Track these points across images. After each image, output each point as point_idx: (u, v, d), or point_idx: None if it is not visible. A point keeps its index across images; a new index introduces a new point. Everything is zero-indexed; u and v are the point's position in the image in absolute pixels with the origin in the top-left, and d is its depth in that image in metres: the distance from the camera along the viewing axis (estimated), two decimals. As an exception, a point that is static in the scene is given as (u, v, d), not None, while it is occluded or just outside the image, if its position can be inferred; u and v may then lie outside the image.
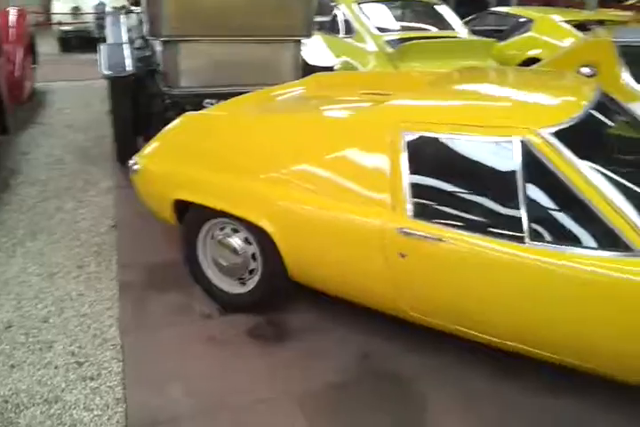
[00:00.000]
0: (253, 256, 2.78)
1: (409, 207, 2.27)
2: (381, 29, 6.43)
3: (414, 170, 2.29)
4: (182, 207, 2.95)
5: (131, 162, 3.14)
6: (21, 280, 3.19)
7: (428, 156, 2.34)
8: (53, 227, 3.84)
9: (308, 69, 4.62)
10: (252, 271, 2.82)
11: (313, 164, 2.56)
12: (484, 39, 6.38)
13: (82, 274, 3.27)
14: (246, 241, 2.78)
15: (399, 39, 6.09)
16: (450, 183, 2.29)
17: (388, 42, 6.12)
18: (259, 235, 2.68)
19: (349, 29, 6.64)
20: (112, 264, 3.37)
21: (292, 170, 2.60)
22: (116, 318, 2.87)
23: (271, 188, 2.63)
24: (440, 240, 2.19)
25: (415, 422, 2.25)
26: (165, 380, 2.45)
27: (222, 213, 2.77)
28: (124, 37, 5.16)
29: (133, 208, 3.98)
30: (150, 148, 3.18)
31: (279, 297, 2.92)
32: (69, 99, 7.25)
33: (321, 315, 2.87)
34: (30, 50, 6.92)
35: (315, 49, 5.22)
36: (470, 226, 2.18)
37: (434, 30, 6.76)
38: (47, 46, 10.03)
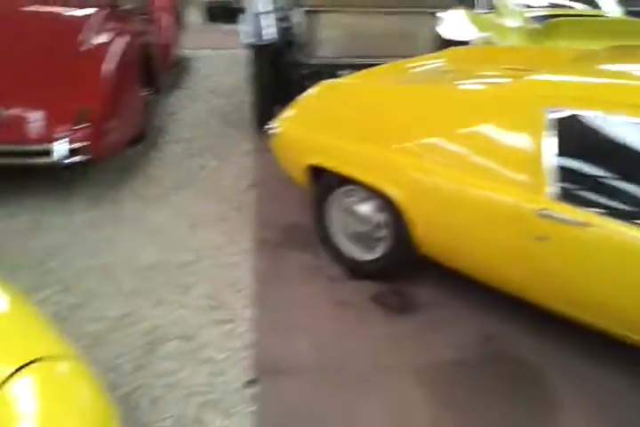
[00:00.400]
0: (381, 225, 2.83)
1: (551, 189, 2.18)
2: (525, 5, 6.14)
3: (558, 150, 2.19)
4: (315, 172, 3.05)
5: (269, 126, 3.28)
6: (166, 228, 3.48)
7: (575, 135, 2.22)
8: (197, 182, 4.12)
9: (443, 43, 4.55)
10: (379, 240, 2.88)
11: (448, 137, 2.53)
12: (642, 20, 5.88)
13: (221, 227, 3.49)
14: (375, 209, 2.83)
15: (545, 16, 5.77)
16: (599, 166, 2.18)
17: (533, 18, 5.82)
18: (388, 204, 2.71)
19: (491, 5, 6.39)
20: (250, 221, 3.56)
21: (426, 142, 2.59)
22: (251, 270, 3.05)
23: (403, 158, 2.63)
24: (587, 225, 2.09)
25: (540, 414, 2.18)
26: (293, 333, 2.58)
27: (353, 181, 2.84)
28: (266, 7, 5.32)
29: (271, 171, 4.16)
30: (288, 113, 3.30)
31: (405, 267, 2.96)
32: (213, 66, 7.62)
33: (445, 289, 2.87)
34: (177, 19, 7.32)
35: (454, 23, 5.10)
36: (622, 213, 2.07)
37: (581, 8, 6.33)
38: (192, 16, 10.53)
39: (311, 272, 3.06)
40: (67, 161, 3.42)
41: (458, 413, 2.17)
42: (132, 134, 4.19)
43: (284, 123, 3.22)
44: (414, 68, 3.44)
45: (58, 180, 3.98)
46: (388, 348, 2.51)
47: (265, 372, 2.35)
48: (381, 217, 2.81)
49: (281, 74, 4.85)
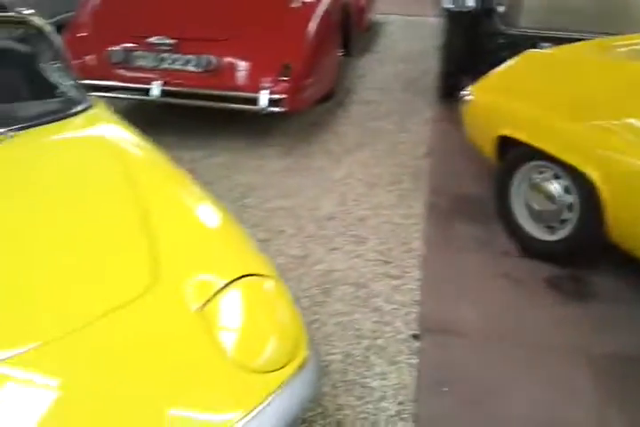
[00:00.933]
0: (570, 207, 2.70)
1: None
2: None
3: None
4: (504, 144, 2.97)
5: (463, 93, 3.23)
6: (346, 183, 3.63)
7: None
8: (377, 143, 4.22)
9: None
10: (563, 221, 2.76)
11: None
12: None
13: (396, 189, 3.57)
14: (566, 190, 2.71)
15: None
16: None
17: None
18: (583, 185, 2.57)
19: None
20: (423, 187, 3.59)
21: (635, 122, 2.40)
22: (422, 233, 3.10)
23: (607, 136, 2.46)
24: None
25: None
26: (459, 299, 2.61)
27: (546, 156, 2.72)
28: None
29: (448, 141, 4.16)
30: (485, 81, 3.22)
31: (589, 254, 2.82)
32: (403, 32, 7.58)
33: (630, 283, 2.70)
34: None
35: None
36: None
37: None
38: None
39: (480, 244, 3.04)
40: (268, 111, 3.67)
41: (626, 407, 2.07)
42: (324, 92, 4.36)
43: (480, 91, 3.16)
44: (622, 46, 3.17)
45: (254, 128, 4.30)
46: (559, 331, 2.43)
47: (429, 330, 2.41)
48: (571, 198, 2.68)
49: (474, 43, 4.71)
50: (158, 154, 2.17)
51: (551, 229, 2.82)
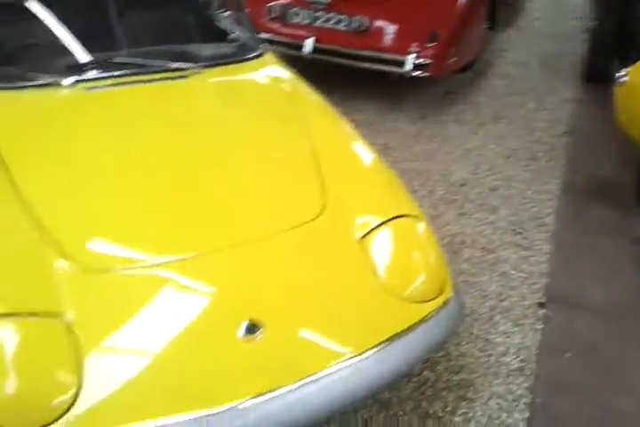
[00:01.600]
0: None
1: None
2: None
3: None
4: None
5: (618, 75, 3.10)
6: (480, 153, 3.63)
7: None
8: (514, 118, 4.15)
9: None
10: None
11: None
12: None
13: (531, 164, 3.53)
14: None
15: None
16: None
17: None
18: None
19: None
20: (559, 165, 3.52)
21: None
22: (555, 210, 3.07)
23: None
24: None
25: None
26: (587, 276, 2.59)
27: None
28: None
29: (588, 123, 4.04)
30: None
31: None
32: (547, 10, 7.25)
33: None
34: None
35: None
36: None
37: None
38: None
39: (615, 228, 2.96)
40: (412, 74, 3.72)
41: None
42: (466, 62, 4.34)
43: (637, 73, 3.03)
44: None
45: (390, 93, 4.36)
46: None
47: (555, 300, 2.43)
48: None
49: (626, 26, 4.45)
50: (321, 98, 2.32)
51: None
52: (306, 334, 1.47)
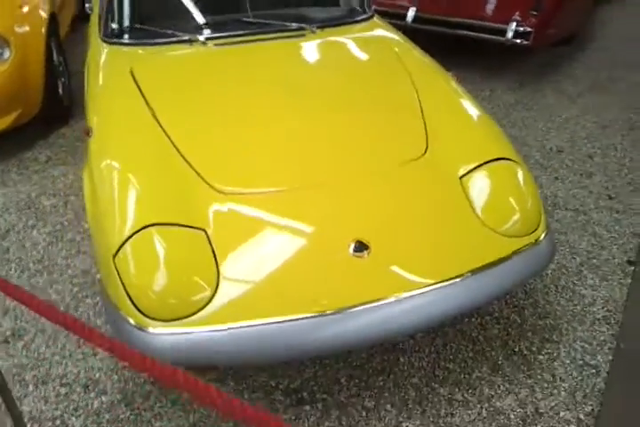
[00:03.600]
0: None
1: None
2: None
3: None
4: None
5: None
6: (577, 122, 3.61)
7: None
8: (612, 90, 4.07)
9: None
10: None
11: None
12: None
13: (630, 134, 3.48)
14: None
15: None
16: None
17: None
18: None
19: None
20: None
21: None
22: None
23: None
24: None
25: None
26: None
27: None
28: None
29: None
30: None
31: None
32: None
33: None
34: None
35: None
36: None
37: None
38: None
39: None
40: (512, 42, 3.72)
41: None
42: (568, 33, 4.25)
43: None
44: None
45: (488, 62, 4.36)
46: None
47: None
48: None
49: None
50: (426, 55, 2.43)
51: None
52: (407, 255, 1.62)
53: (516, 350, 2.03)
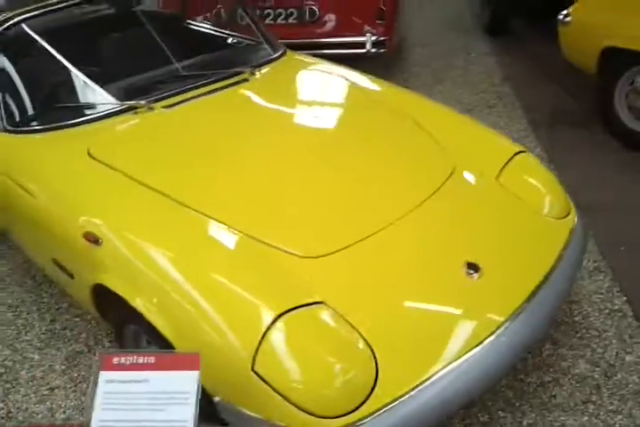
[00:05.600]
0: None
1: None
2: None
3: None
4: (606, 56, 3.23)
5: (561, 16, 3.49)
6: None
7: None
8: (453, 77, 4.50)
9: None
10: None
11: None
12: None
13: (492, 112, 3.89)
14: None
15: None
16: None
17: None
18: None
19: None
20: (517, 107, 3.93)
21: None
22: (536, 139, 3.46)
23: None
24: None
25: None
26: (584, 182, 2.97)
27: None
28: None
29: (517, 69, 4.52)
30: (583, 4, 3.44)
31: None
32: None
33: None
34: None
35: None
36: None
37: None
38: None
39: (592, 144, 3.39)
40: (371, 53, 3.90)
41: None
42: (401, 37, 4.58)
43: (580, 10, 3.41)
44: None
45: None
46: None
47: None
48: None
49: None
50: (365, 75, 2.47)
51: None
52: (511, 269, 1.65)
53: (559, 320, 2.17)
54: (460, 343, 1.43)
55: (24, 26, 2.07)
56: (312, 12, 3.94)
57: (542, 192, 1.91)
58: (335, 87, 2.34)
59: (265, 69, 2.34)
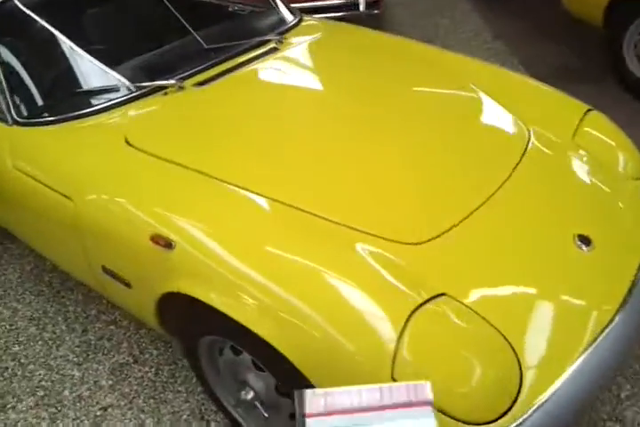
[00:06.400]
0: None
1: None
2: None
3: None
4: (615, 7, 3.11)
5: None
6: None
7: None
8: (443, 37, 4.30)
9: None
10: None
11: None
12: None
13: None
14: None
15: None
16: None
17: None
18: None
19: None
20: (516, 64, 3.78)
21: None
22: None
23: None
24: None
25: None
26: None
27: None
28: None
29: (504, 26, 4.37)
30: None
31: None
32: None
33: None
34: None
35: None
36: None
37: None
38: None
39: (604, 98, 3.20)
40: (366, 13, 3.70)
41: None
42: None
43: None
44: None
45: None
46: None
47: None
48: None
49: None
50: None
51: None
52: (618, 235, 1.52)
53: None
54: (589, 328, 1.30)
55: (18, 3, 1.77)
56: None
57: (618, 152, 1.78)
58: (378, 49, 2.14)
59: (290, 36, 2.10)
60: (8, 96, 1.70)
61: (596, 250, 1.42)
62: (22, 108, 1.72)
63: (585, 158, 1.71)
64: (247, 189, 1.43)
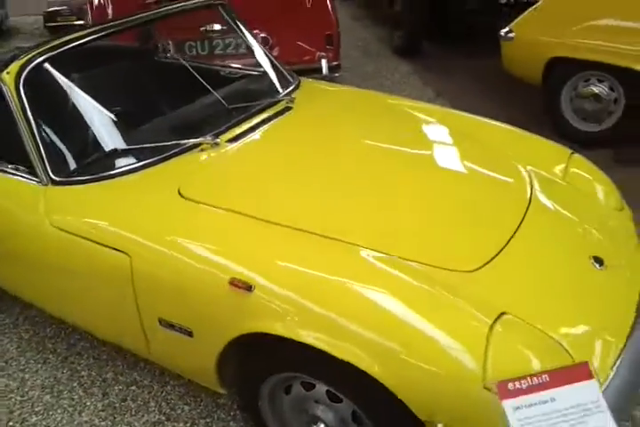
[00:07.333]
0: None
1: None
2: None
3: None
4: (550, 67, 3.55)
5: (503, 31, 3.78)
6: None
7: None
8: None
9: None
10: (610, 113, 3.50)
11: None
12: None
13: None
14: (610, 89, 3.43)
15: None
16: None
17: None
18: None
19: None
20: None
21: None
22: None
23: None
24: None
25: None
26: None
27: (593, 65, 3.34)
28: None
29: (443, 84, 4.81)
30: (526, 19, 3.74)
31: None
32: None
33: None
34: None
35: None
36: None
37: None
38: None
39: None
40: (329, 77, 3.93)
41: None
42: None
43: (523, 25, 3.71)
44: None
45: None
46: None
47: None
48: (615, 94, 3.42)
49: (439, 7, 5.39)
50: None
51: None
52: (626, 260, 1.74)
53: None
54: (618, 335, 1.49)
55: (48, 65, 1.82)
56: (265, 40, 3.89)
57: (600, 187, 2.05)
58: (380, 106, 2.37)
59: (297, 95, 2.27)
60: (44, 156, 1.73)
61: (607, 268, 1.63)
62: (60, 167, 1.74)
63: (579, 193, 1.97)
64: (308, 231, 1.53)
